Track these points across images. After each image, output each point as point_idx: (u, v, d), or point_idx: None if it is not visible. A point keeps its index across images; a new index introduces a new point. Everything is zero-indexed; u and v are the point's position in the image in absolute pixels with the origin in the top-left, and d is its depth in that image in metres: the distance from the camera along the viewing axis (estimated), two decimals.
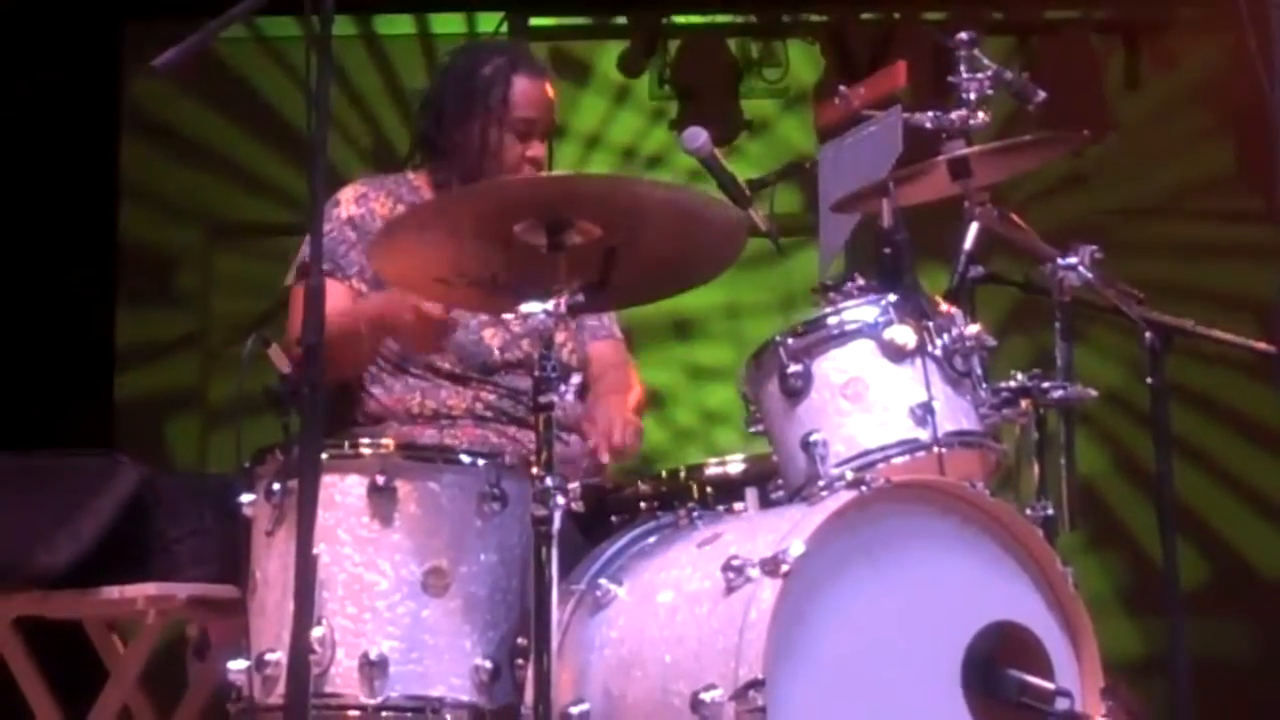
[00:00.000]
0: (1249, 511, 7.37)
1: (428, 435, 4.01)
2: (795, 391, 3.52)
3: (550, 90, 4.23)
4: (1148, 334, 3.85)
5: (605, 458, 3.89)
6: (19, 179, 6.86)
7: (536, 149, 4.18)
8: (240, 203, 7.47)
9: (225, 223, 7.51)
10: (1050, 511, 3.70)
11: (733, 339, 7.30)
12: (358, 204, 4.18)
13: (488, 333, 4.12)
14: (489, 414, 4.07)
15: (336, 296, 3.45)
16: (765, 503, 3.63)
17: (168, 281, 7.50)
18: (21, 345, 6.82)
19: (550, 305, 3.39)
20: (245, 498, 3.57)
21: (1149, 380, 3.88)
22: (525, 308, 3.40)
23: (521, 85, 4.18)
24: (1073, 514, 3.72)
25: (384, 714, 3.44)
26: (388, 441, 3.61)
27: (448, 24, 7.40)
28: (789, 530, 3.28)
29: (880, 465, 3.45)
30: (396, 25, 7.51)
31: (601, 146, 7.61)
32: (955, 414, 3.51)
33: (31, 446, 4.32)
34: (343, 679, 3.43)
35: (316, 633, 3.38)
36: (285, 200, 7.18)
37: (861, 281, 3.63)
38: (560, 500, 3.35)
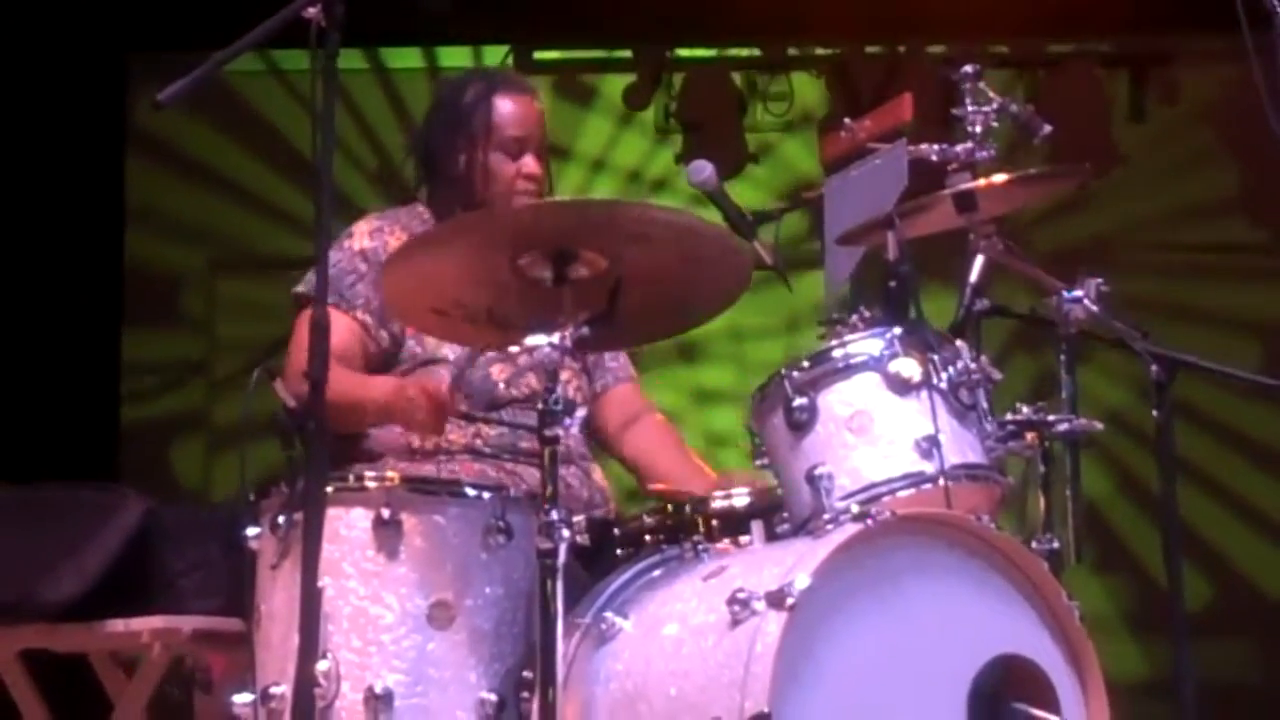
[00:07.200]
0: (1254, 533, 7.37)
1: (426, 470, 3.98)
2: (800, 425, 3.52)
3: (535, 105, 4.22)
4: (1154, 367, 3.86)
5: None
6: (25, 201, 6.86)
7: (530, 165, 4.16)
8: (247, 228, 7.48)
9: (231, 248, 7.52)
10: (1056, 545, 3.70)
11: (737, 362, 7.27)
12: (371, 237, 4.16)
13: (495, 368, 4.10)
14: (488, 450, 4.05)
15: (339, 330, 3.42)
16: (770, 536, 3.61)
17: (173, 306, 7.51)
18: (27, 367, 6.82)
19: (555, 338, 3.39)
20: (250, 531, 3.55)
21: (1155, 413, 3.88)
22: (530, 340, 3.39)
23: (503, 104, 4.18)
24: (1079, 546, 3.72)
25: None
26: (392, 474, 3.60)
27: (454, 57, 7.41)
28: (794, 563, 3.27)
29: (886, 498, 3.45)
30: (405, 58, 7.55)
31: (606, 170, 7.61)
32: (961, 447, 3.50)
33: (35, 468, 4.31)
34: (348, 713, 3.41)
35: (321, 666, 3.37)
36: (292, 226, 7.19)
37: (866, 314, 3.63)
38: (565, 533, 3.35)
